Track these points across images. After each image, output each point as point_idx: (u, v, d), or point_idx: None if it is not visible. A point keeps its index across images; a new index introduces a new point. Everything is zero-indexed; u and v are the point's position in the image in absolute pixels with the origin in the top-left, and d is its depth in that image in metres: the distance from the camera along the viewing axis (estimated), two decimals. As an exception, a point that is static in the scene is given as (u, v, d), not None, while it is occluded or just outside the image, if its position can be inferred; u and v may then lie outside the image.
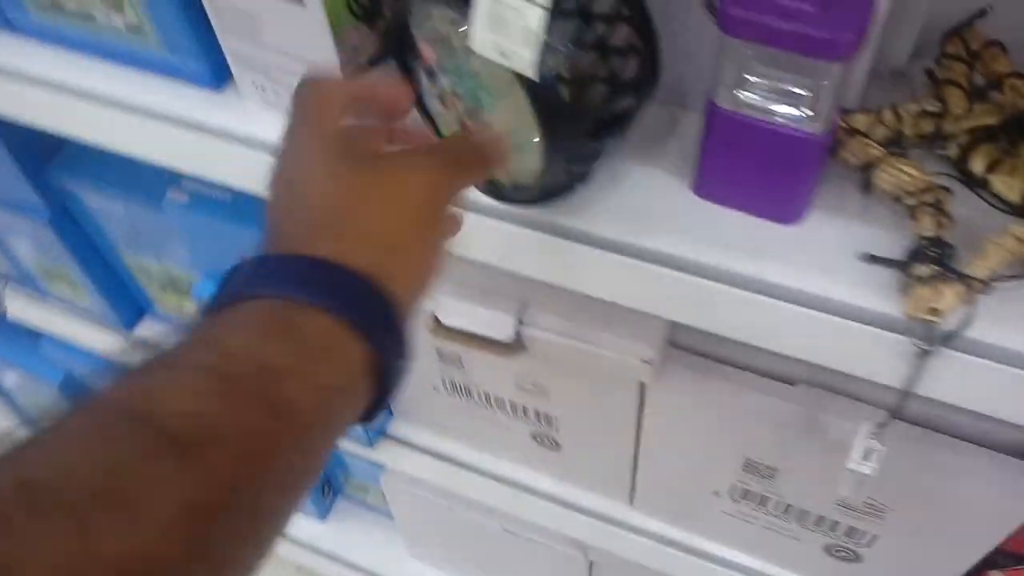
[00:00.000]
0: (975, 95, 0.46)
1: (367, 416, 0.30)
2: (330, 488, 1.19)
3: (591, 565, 0.89)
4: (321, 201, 0.31)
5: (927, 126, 0.45)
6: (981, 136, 0.45)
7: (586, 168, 0.45)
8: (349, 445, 0.85)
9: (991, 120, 0.44)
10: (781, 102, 0.40)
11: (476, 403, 0.72)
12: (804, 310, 0.43)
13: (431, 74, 0.42)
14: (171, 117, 0.53)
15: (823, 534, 0.65)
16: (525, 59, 0.35)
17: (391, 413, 0.84)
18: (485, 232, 0.47)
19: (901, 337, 0.41)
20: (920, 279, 0.40)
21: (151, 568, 0.21)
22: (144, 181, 0.70)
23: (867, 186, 0.43)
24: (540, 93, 0.37)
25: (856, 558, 0.66)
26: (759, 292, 0.43)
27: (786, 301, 0.43)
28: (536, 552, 0.90)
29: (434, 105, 0.44)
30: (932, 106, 0.46)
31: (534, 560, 0.92)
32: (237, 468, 0.23)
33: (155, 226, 0.72)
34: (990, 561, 0.59)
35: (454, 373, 0.69)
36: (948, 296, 0.39)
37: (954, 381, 0.41)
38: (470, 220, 0.46)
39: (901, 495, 0.57)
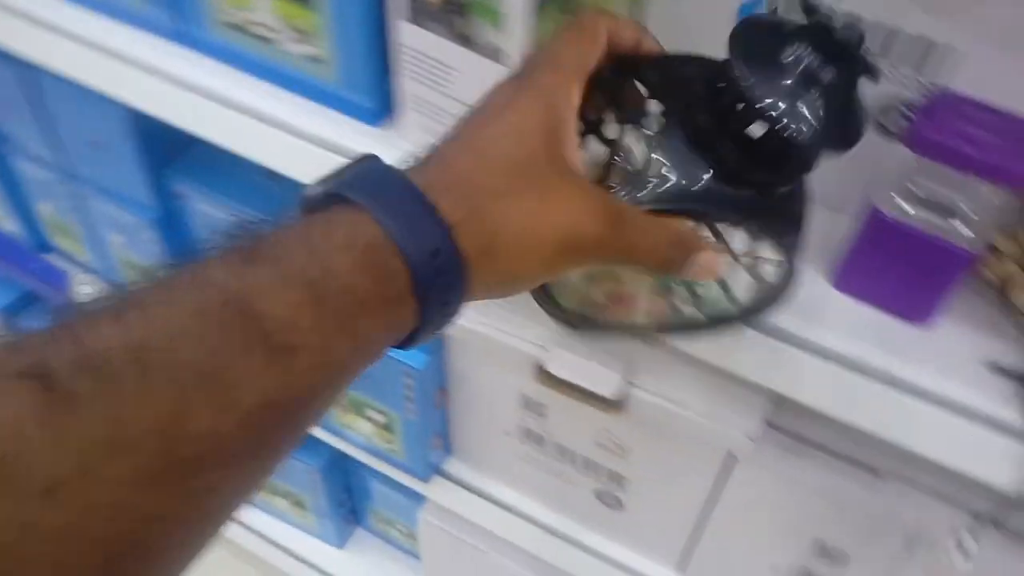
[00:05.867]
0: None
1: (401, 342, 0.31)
2: (353, 516, 1.19)
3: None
4: (489, 164, 0.31)
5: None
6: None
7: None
8: (401, 476, 0.87)
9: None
10: (943, 216, 0.43)
11: (546, 453, 0.74)
12: (926, 406, 0.46)
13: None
14: (329, 144, 0.56)
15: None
16: None
17: (448, 451, 0.85)
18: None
19: (1017, 444, 0.44)
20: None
21: (222, 449, 0.24)
22: (264, 193, 0.73)
23: (1004, 302, 0.47)
24: None
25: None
26: (884, 382, 0.46)
27: (909, 394, 0.46)
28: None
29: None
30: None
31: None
32: (313, 377, 0.26)
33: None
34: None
35: (532, 421, 0.71)
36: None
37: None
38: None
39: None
